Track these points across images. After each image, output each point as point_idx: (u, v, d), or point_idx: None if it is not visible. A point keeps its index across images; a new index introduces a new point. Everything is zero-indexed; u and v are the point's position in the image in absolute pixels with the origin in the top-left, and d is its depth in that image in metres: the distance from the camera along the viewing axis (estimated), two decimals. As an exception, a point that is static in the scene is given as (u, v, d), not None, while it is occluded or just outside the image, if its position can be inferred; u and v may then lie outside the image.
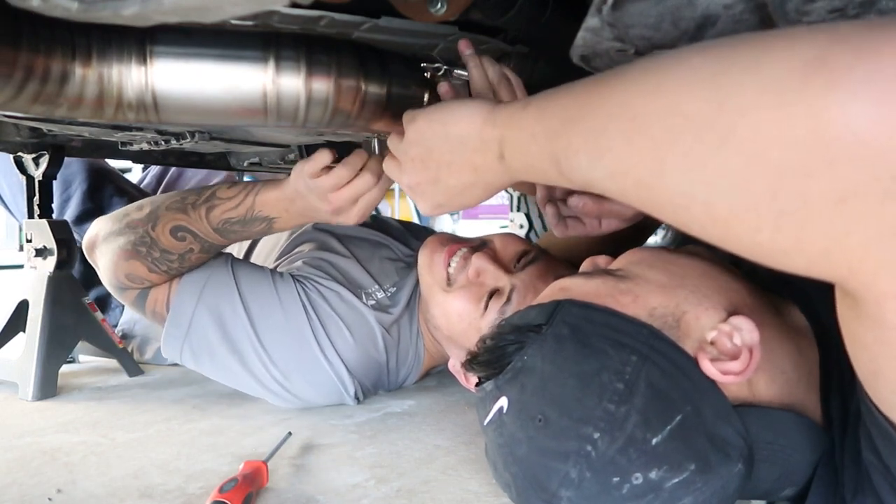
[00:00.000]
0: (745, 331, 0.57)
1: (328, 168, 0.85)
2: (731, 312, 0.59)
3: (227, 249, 1.12)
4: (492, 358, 0.64)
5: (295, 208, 0.92)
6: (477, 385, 0.67)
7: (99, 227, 1.04)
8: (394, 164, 0.70)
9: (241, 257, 1.21)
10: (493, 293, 0.94)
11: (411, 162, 0.66)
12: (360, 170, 0.85)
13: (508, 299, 0.93)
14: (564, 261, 1.06)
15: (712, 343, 0.58)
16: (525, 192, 2.12)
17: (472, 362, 0.67)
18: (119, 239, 0.99)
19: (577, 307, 0.61)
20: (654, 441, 0.54)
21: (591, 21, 0.54)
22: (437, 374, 1.26)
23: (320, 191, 0.86)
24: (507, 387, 0.61)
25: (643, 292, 0.62)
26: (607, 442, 0.54)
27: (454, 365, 1.05)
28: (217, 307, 1.01)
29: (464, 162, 0.60)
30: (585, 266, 0.74)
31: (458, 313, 0.96)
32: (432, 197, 0.65)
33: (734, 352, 0.57)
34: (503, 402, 0.61)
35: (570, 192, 0.78)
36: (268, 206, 0.93)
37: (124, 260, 0.98)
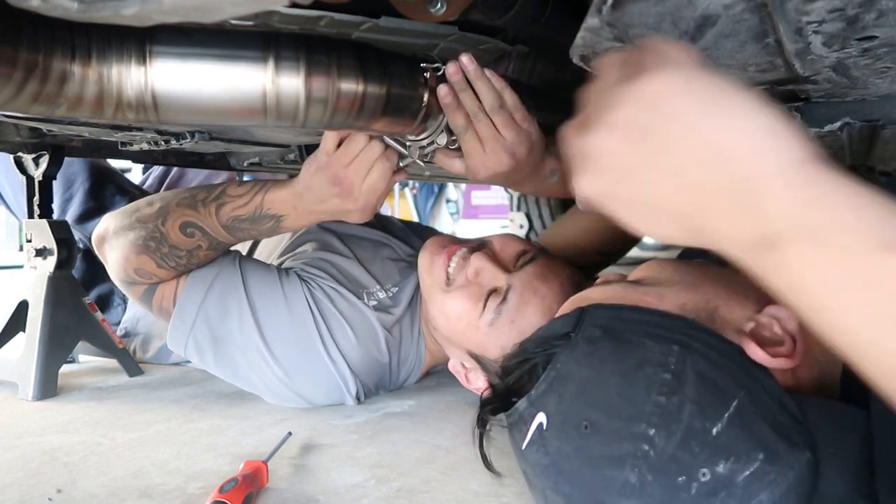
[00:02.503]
0: (784, 318, 0.54)
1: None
2: (763, 304, 0.56)
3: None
4: (520, 377, 0.59)
5: (303, 205, 0.91)
6: (505, 412, 0.61)
7: (109, 222, 1.04)
8: (580, 120, 0.43)
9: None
10: (492, 293, 0.94)
11: (619, 123, 0.39)
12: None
13: (504, 299, 0.93)
14: (565, 259, 1.06)
15: (751, 334, 0.54)
16: (525, 193, 2.12)
17: (497, 395, 0.62)
18: (129, 234, 1.00)
19: (605, 309, 0.58)
20: (714, 430, 0.48)
21: (591, 21, 0.54)
22: (437, 374, 1.26)
23: (336, 165, 0.83)
24: (541, 401, 0.56)
25: (669, 292, 0.59)
26: (664, 437, 0.49)
27: (454, 365, 1.05)
28: (224, 303, 1.01)
29: (699, 183, 0.37)
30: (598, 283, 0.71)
31: (457, 313, 0.97)
32: (616, 182, 0.40)
33: (777, 341, 0.53)
34: (541, 418, 0.55)
35: None
36: (276, 203, 0.93)
37: (134, 255, 0.99)
